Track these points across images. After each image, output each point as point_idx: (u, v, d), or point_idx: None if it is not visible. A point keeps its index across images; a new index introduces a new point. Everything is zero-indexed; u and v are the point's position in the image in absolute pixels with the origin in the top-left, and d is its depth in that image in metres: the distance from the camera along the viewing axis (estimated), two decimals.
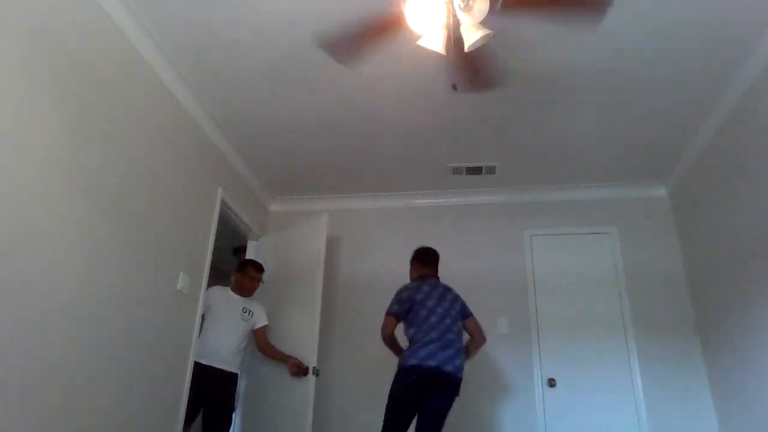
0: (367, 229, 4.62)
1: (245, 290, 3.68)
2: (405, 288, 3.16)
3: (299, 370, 3.51)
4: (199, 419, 3.40)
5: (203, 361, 3.33)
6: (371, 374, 4.09)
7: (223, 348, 3.42)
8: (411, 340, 2.99)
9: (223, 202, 3.78)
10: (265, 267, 3.91)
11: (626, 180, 4.31)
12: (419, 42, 2.10)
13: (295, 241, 4.17)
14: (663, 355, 3.82)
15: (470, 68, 2.42)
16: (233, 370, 3.49)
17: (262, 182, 4.48)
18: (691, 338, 3.84)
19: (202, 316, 3.43)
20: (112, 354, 2.50)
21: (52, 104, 2.18)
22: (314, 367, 3.52)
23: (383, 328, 3.04)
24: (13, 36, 1.99)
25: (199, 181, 3.47)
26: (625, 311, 4.00)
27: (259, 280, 3.74)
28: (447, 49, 2.11)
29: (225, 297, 3.59)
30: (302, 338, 3.66)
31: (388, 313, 3.06)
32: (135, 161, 2.74)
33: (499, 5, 2.05)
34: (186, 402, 3.14)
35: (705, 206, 3.69)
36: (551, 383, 3.88)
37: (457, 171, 4.22)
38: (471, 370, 3.96)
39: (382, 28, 2.26)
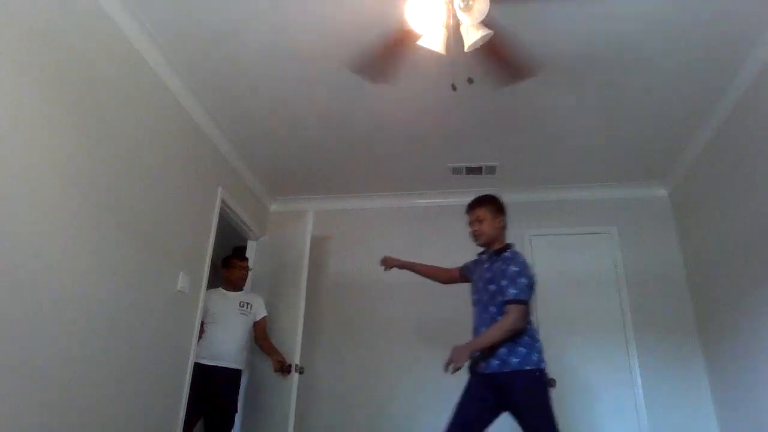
0: (367, 229, 4.62)
1: (237, 283, 3.72)
2: (527, 263, 2.46)
3: (282, 367, 3.50)
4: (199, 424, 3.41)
5: (207, 362, 3.34)
6: (370, 374, 4.10)
7: (229, 347, 3.45)
8: (530, 333, 2.43)
9: (223, 202, 3.78)
10: (262, 267, 3.91)
11: (626, 180, 4.30)
12: (419, 42, 2.10)
13: (286, 240, 4.18)
14: (663, 355, 3.82)
15: (497, 60, 2.43)
16: (238, 366, 3.52)
17: (262, 182, 4.48)
18: (691, 338, 3.84)
19: (201, 320, 3.43)
20: (112, 354, 2.49)
21: (52, 104, 2.18)
22: (297, 365, 3.50)
23: (518, 321, 2.34)
24: (12, 36, 1.99)
25: (199, 181, 3.47)
26: (625, 311, 4.00)
27: (246, 268, 3.80)
28: (447, 49, 2.11)
29: (221, 297, 3.62)
30: (288, 336, 3.66)
31: (524, 302, 2.36)
32: (135, 161, 2.74)
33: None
34: (186, 402, 3.14)
35: (705, 206, 3.69)
36: (551, 383, 3.87)
37: (457, 171, 4.22)
38: None
39: (399, 41, 2.29)
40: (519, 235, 4.38)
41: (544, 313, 4.09)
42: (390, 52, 2.42)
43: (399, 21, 2.26)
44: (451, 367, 2.35)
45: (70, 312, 2.22)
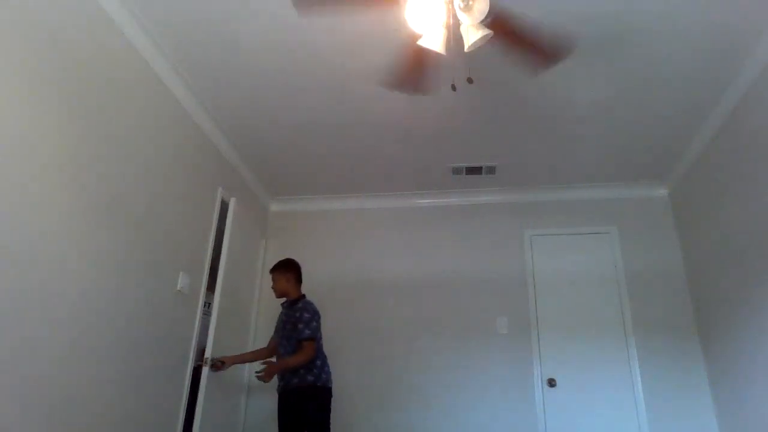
0: (368, 229, 4.62)
1: None
2: (316, 311, 3.18)
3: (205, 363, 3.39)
4: None
5: None
6: (375, 372, 4.10)
7: None
8: (320, 361, 3.09)
9: (223, 202, 3.79)
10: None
11: (626, 180, 4.31)
12: (419, 42, 2.10)
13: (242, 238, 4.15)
14: (663, 355, 3.83)
15: (527, 48, 2.42)
16: None
17: (262, 182, 4.48)
18: (691, 338, 3.85)
19: None
20: (113, 353, 2.50)
21: (53, 105, 2.18)
22: (207, 358, 3.33)
23: (310, 354, 3.00)
24: (13, 38, 1.99)
25: (199, 181, 3.47)
26: (625, 311, 4.01)
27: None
28: (447, 49, 2.11)
29: None
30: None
31: (313, 339, 3.04)
32: (135, 161, 2.74)
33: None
34: (186, 401, 3.15)
35: (705, 206, 3.70)
36: (551, 383, 3.88)
37: (457, 171, 4.22)
38: (471, 370, 3.99)
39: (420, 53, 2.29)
40: (519, 235, 4.41)
41: (543, 313, 4.10)
42: (417, 65, 2.45)
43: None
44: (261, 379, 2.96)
45: (70, 311, 2.22)
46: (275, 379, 3.09)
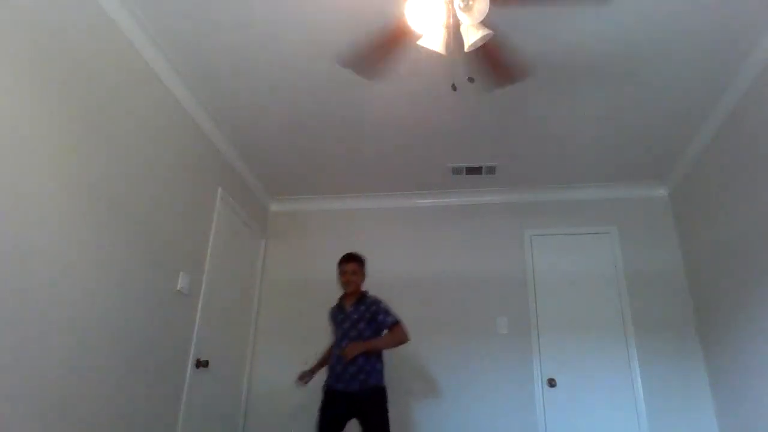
0: (368, 229, 4.62)
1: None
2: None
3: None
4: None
5: None
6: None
7: None
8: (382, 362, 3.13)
9: (222, 201, 3.78)
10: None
11: (626, 180, 4.31)
12: (419, 42, 2.10)
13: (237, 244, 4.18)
14: (663, 355, 3.83)
15: (491, 63, 2.44)
16: None
17: (262, 182, 4.48)
18: (691, 338, 3.85)
19: None
20: (111, 353, 2.50)
21: (53, 106, 2.18)
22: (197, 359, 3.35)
23: (402, 337, 3.11)
24: (14, 38, 1.99)
25: (199, 181, 3.47)
26: (625, 311, 4.01)
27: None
28: (447, 49, 2.11)
29: None
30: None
31: (399, 323, 3.13)
32: (135, 162, 2.74)
33: None
34: (186, 401, 3.15)
35: (705, 206, 3.70)
36: (551, 383, 3.88)
37: (457, 171, 4.23)
38: (471, 370, 3.99)
39: (394, 38, 2.29)
40: (519, 235, 4.41)
41: (543, 313, 4.10)
42: (385, 47, 2.41)
43: (397, 18, 2.27)
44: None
45: (69, 311, 2.22)
46: (320, 380, 3.14)
